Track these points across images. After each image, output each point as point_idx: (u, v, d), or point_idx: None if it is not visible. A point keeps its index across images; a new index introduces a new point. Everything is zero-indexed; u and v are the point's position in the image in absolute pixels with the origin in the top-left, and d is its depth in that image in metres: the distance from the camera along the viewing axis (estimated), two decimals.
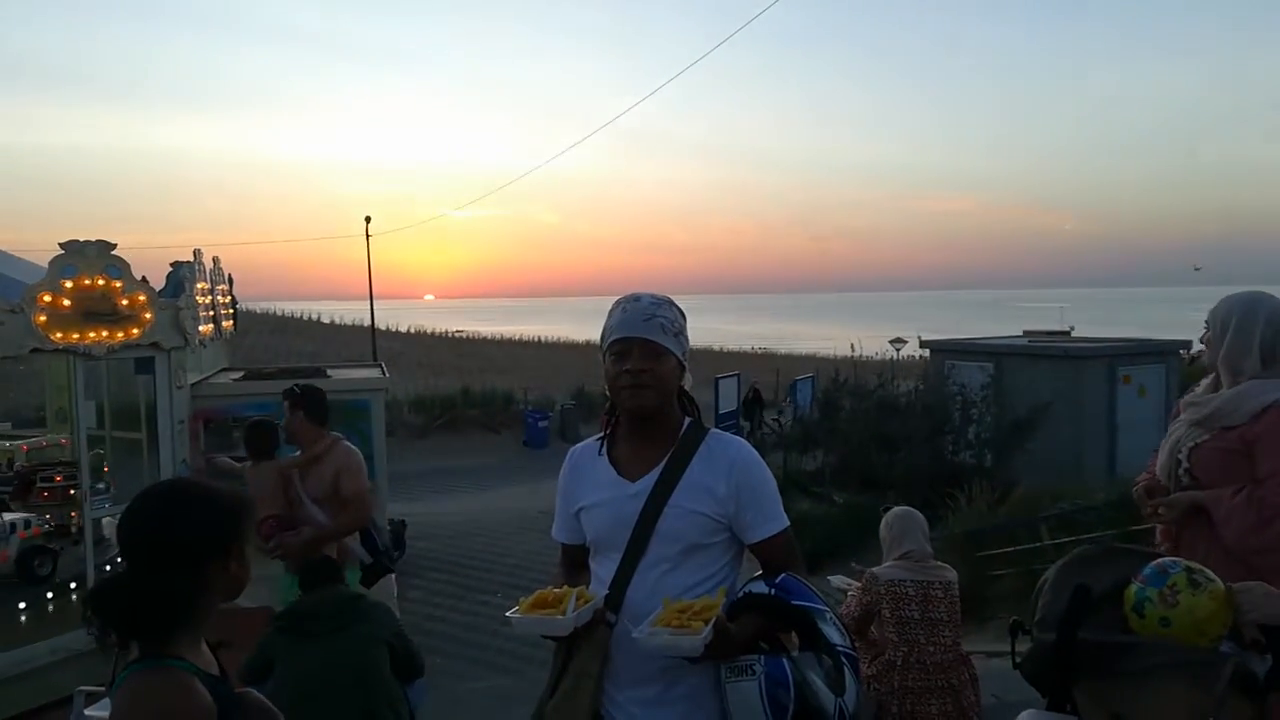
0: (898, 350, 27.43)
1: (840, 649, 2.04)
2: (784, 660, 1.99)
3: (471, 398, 28.98)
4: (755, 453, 2.22)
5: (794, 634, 2.10)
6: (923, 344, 19.00)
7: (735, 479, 2.13)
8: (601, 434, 2.31)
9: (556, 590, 2.10)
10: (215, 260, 10.47)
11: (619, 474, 2.19)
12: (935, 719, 3.76)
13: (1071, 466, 13.97)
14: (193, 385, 8.89)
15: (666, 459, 2.15)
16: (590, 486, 2.24)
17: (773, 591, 2.08)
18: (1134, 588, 2.01)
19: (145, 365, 8.47)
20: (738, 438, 2.27)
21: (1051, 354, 16.14)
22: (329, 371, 10.77)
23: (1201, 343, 2.96)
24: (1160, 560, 2.04)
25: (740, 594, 2.12)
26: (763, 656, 1.99)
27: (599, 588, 2.17)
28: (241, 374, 10.49)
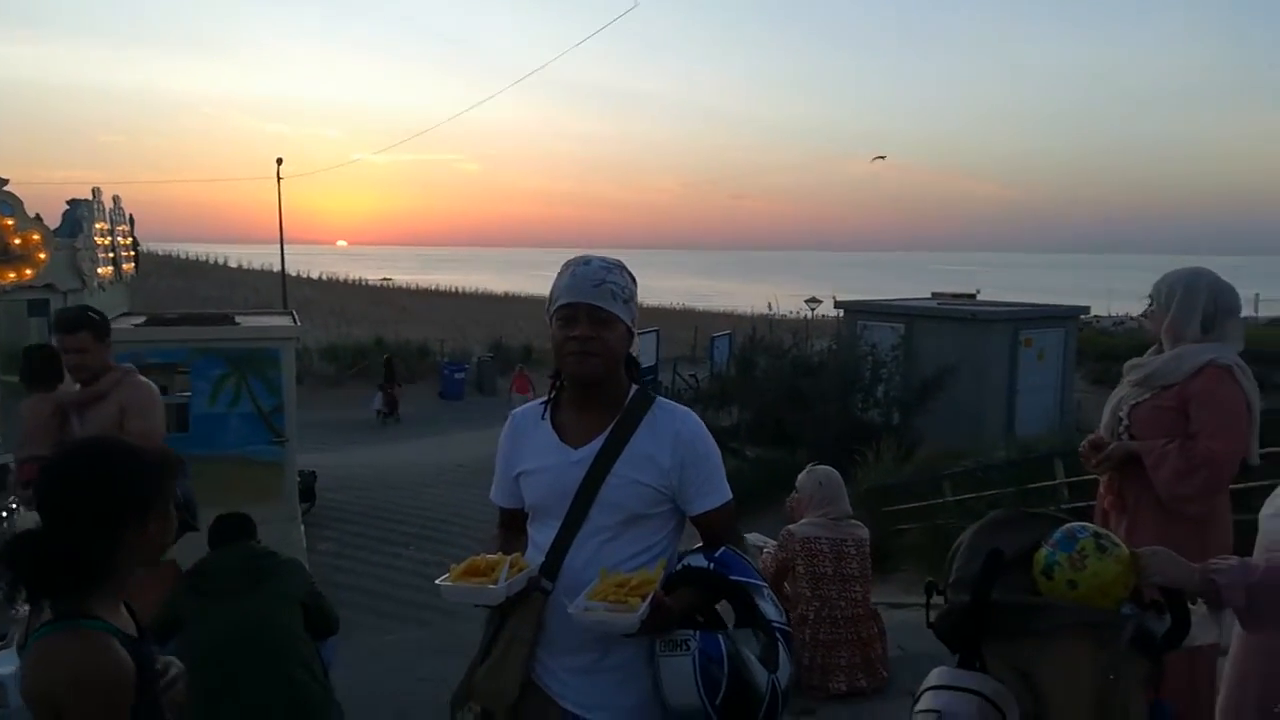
0: (812, 310, 27.89)
1: (776, 625, 2.04)
2: (719, 636, 1.98)
3: (386, 348, 28.49)
4: (701, 424, 2.20)
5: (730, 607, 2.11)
6: (837, 304, 19.34)
7: (680, 450, 2.11)
8: (545, 398, 2.25)
9: (490, 557, 2.05)
10: (115, 199, 10.00)
11: (561, 440, 2.15)
12: (844, 670, 3.88)
13: (972, 426, 14.46)
14: None
15: (611, 427, 2.12)
16: (531, 451, 2.19)
17: (711, 566, 2.08)
18: (1044, 551, 2.08)
19: (40, 308, 8.08)
20: (684, 408, 2.23)
21: (959, 316, 16.60)
22: (237, 318, 10.40)
23: (1143, 315, 3.12)
24: (1069, 525, 2.11)
25: (678, 567, 2.10)
26: (698, 632, 1.98)
27: (536, 554, 2.14)
28: (144, 319, 10.06)
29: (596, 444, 2.11)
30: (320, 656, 3.61)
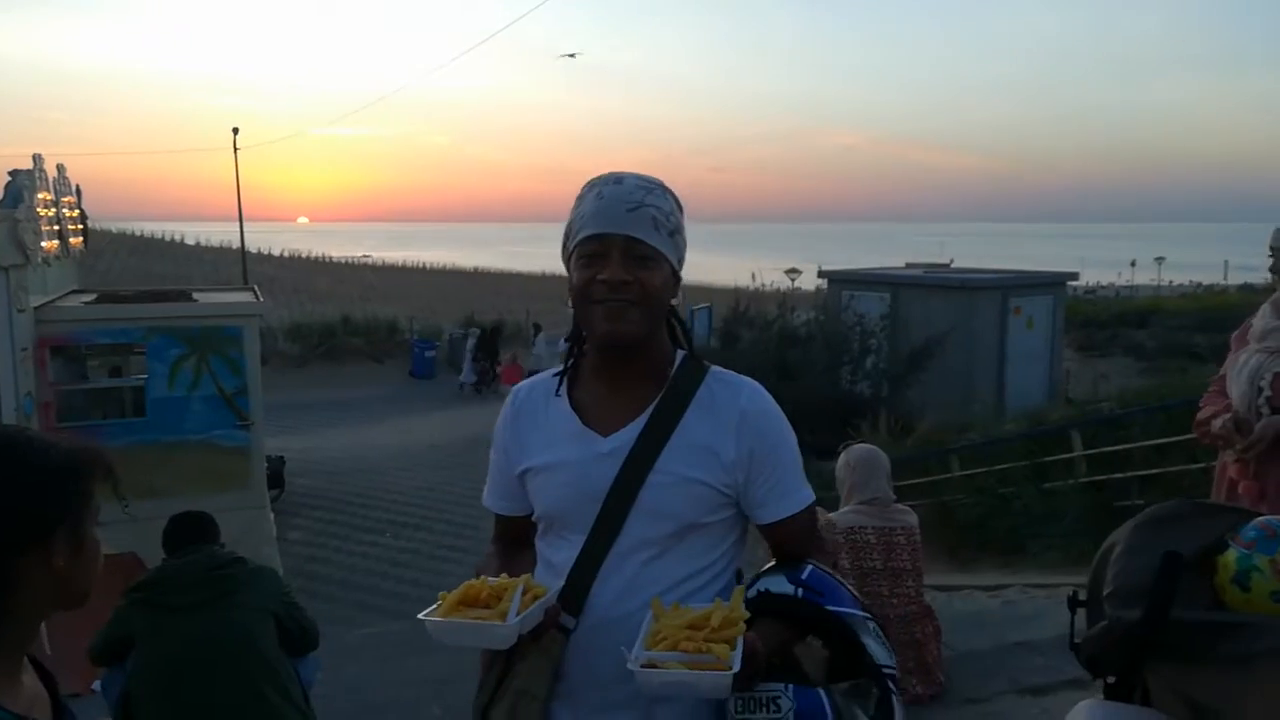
0: (793, 280, 27.48)
1: (887, 670, 1.55)
2: (820, 694, 1.48)
3: (353, 326, 27.78)
4: (771, 399, 1.67)
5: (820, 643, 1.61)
6: (821, 274, 18.91)
7: (748, 437, 1.59)
8: (561, 368, 1.71)
9: (492, 581, 1.51)
10: (60, 168, 9.35)
11: (585, 424, 1.63)
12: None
13: (962, 397, 14.14)
14: (37, 309, 7.88)
15: (653, 407, 1.60)
16: (543, 440, 1.66)
17: (800, 592, 1.57)
18: (1234, 554, 1.63)
19: None
20: (749, 380, 1.68)
21: (947, 285, 16.26)
22: (195, 295, 9.79)
23: (1272, 271, 2.72)
24: (1265, 519, 1.66)
25: (752, 593, 1.59)
26: (790, 686, 1.49)
27: (552, 578, 1.60)
28: (94, 296, 9.44)
29: (633, 430, 1.59)
30: (299, 677, 3.11)
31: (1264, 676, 1.54)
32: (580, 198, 1.60)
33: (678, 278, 1.63)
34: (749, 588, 1.60)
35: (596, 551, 1.58)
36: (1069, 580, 5.93)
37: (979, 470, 8.20)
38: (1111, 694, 1.80)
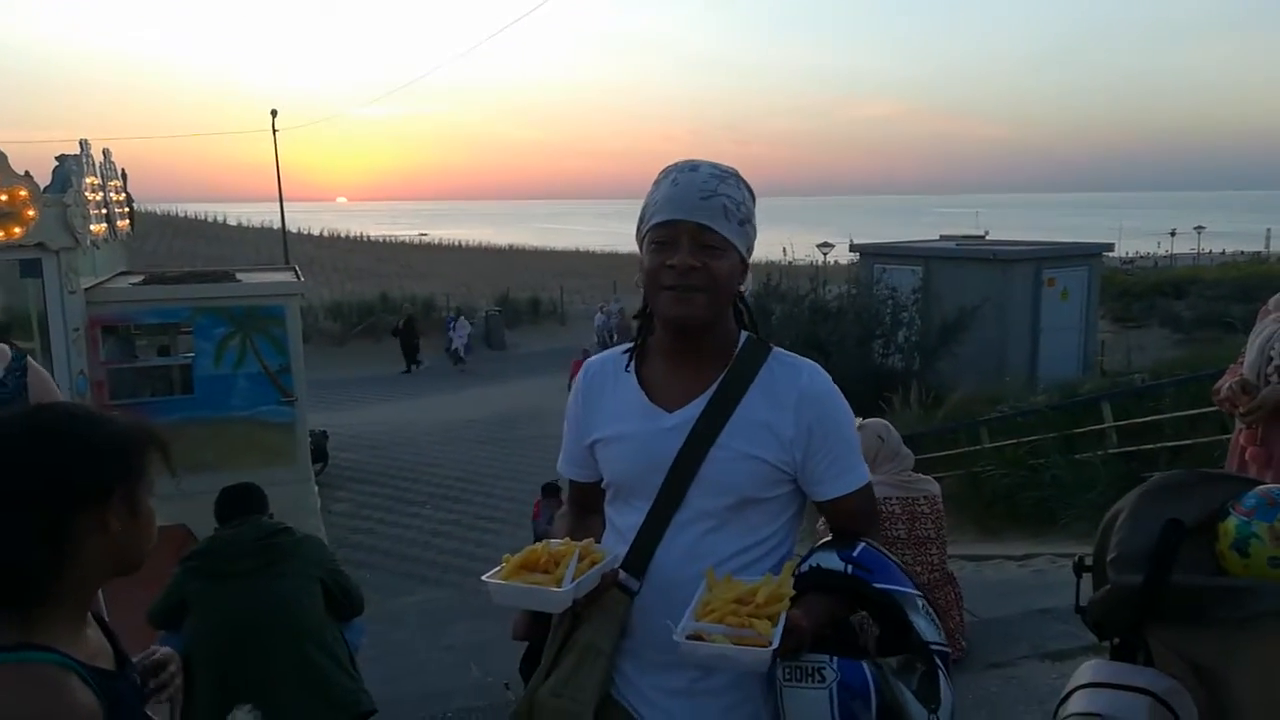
0: (824, 254, 27.32)
1: (935, 648, 1.60)
2: (863, 664, 1.54)
3: (391, 304, 28.11)
4: (830, 381, 1.72)
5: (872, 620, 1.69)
6: (853, 247, 18.83)
7: (806, 416, 1.65)
8: (630, 345, 1.78)
9: (555, 546, 1.61)
10: (106, 152, 9.58)
11: (651, 400, 1.71)
12: None
13: (995, 370, 14.09)
14: (87, 290, 8.14)
15: (716, 385, 1.67)
16: (611, 413, 1.75)
17: (849, 569, 1.63)
18: (1234, 521, 1.70)
19: (32, 268, 7.73)
20: (809, 361, 1.74)
21: (979, 257, 16.15)
22: (239, 275, 10.02)
23: None
24: (1266, 488, 1.74)
25: (804, 568, 1.65)
26: (835, 658, 1.53)
27: (618, 542, 1.70)
28: (142, 278, 9.70)
29: (697, 406, 1.66)
30: (345, 641, 3.28)
31: (1261, 638, 1.63)
32: (656, 183, 1.66)
33: (746, 265, 1.69)
34: (803, 561, 1.67)
35: (660, 519, 1.67)
36: None
37: (1009, 442, 8.23)
38: (1117, 655, 1.89)
